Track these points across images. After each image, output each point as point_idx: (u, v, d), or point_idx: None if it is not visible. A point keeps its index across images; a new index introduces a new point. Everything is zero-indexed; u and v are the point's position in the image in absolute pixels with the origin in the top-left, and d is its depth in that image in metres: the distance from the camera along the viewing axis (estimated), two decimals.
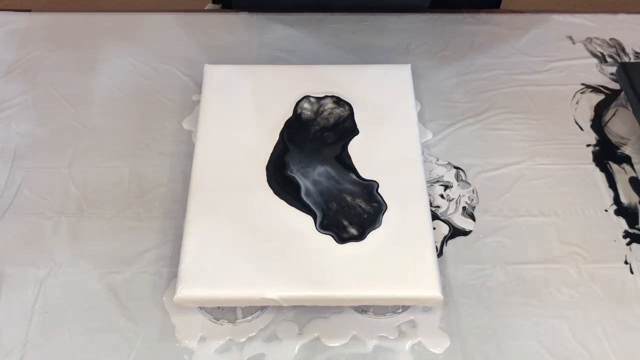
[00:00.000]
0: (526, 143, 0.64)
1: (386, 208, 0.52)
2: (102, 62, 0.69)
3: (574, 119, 0.66)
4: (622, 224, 0.58)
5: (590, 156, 0.63)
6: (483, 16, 0.75)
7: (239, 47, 0.71)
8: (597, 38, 0.73)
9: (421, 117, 0.65)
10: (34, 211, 0.58)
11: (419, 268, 0.49)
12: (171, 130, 0.64)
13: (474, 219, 0.58)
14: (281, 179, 0.54)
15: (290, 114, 0.58)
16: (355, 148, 0.56)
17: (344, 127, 0.57)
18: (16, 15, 0.74)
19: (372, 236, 0.50)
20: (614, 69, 0.70)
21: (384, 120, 0.58)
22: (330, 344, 0.51)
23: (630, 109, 0.60)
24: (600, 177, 0.61)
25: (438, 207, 0.59)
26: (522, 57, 0.71)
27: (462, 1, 0.79)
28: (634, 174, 0.62)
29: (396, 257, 0.49)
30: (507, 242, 0.57)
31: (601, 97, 0.68)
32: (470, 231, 0.57)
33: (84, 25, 0.73)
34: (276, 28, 0.73)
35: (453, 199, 0.59)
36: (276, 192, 0.53)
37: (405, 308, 0.53)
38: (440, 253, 0.56)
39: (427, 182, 0.58)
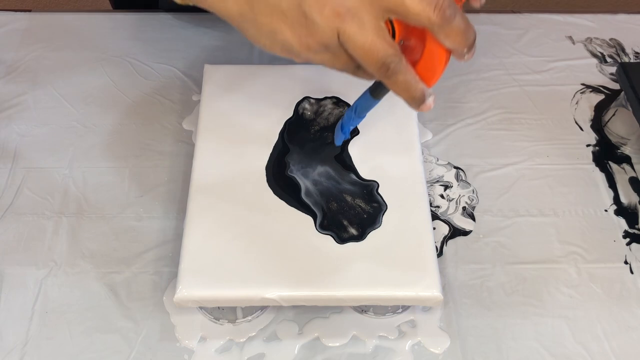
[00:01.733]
0: (526, 143, 0.64)
1: (386, 208, 0.52)
2: (102, 62, 0.69)
3: (574, 119, 0.66)
4: (622, 224, 0.58)
5: (590, 156, 0.63)
6: (483, 16, 0.75)
7: (239, 47, 0.71)
8: (597, 38, 0.73)
9: (421, 117, 0.65)
10: (34, 211, 0.58)
11: (419, 268, 0.49)
12: (171, 130, 0.64)
13: (474, 219, 0.58)
14: (281, 179, 0.54)
15: (290, 114, 0.58)
16: (355, 148, 0.56)
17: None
18: (16, 15, 0.74)
19: (372, 236, 0.50)
20: (614, 69, 0.70)
21: (383, 120, 0.58)
22: (330, 344, 0.51)
23: (630, 109, 0.60)
24: (600, 177, 0.61)
25: (438, 207, 0.59)
26: (522, 57, 0.71)
27: None
28: (634, 174, 0.62)
29: (396, 257, 0.49)
30: (507, 242, 0.57)
31: (601, 97, 0.68)
32: (470, 231, 0.57)
33: (84, 25, 0.73)
34: None
35: (453, 199, 0.59)
36: (276, 193, 0.53)
37: (405, 308, 0.53)
38: (440, 253, 0.56)
39: (427, 182, 0.58)
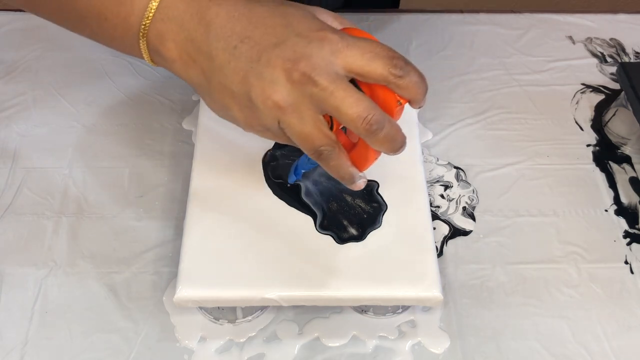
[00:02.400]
0: (526, 143, 0.64)
1: (386, 208, 0.52)
2: (102, 62, 0.69)
3: (574, 119, 0.66)
4: (622, 224, 0.58)
5: (590, 156, 0.63)
6: (483, 16, 0.75)
7: None
8: (597, 38, 0.73)
9: (421, 117, 0.65)
10: (34, 211, 0.58)
11: (419, 268, 0.49)
12: (171, 130, 0.64)
13: (474, 219, 0.58)
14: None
15: None
16: None
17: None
18: (16, 15, 0.74)
19: (372, 236, 0.50)
20: (614, 69, 0.70)
21: None
22: (330, 344, 0.51)
23: (630, 109, 0.60)
24: (600, 177, 0.61)
25: (438, 207, 0.59)
26: (522, 57, 0.71)
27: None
28: (634, 174, 0.62)
29: (396, 257, 0.49)
30: (507, 242, 0.57)
31: (601, 97, 0.68)
32: (471, 231, 0.57)
33: None
34: None
35: (453, 199, 0.59)
36: (276, 193, 0.53)
37: (405, 308, 0.52)
38: (440, 253, 0.56)
39: (427, 182, 0.58)
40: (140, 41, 0.45)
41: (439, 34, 0.73)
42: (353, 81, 0.43)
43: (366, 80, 0.42)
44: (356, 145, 0.45)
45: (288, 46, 0.41)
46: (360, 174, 0.45)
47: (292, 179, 0.52)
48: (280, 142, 0.45)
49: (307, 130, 0.42)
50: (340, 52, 0.41)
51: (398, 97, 0.42)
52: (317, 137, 0.42)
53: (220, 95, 0.43)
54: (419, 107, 0.44)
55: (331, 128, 0.44)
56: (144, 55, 0.46)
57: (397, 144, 0.43)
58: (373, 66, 0.41)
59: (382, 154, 0.44)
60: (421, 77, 0.43)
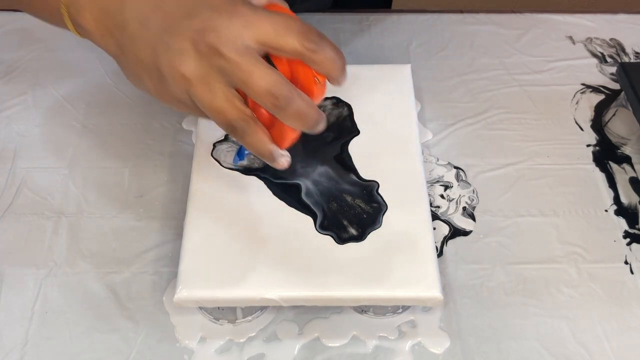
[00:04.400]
0: (526, 143, 0.64)
1: (386, 208, 0.52)
2: (102, 62, 0.69)
3: (574, 119, 0.66)
4: (622, 224, 0.58)
5: (590, 156, 0.63)
6: (483, 16, 0.75)
7: None
8: (597, 38, 0.73)
9: (421, 117, 0.65)
10: (34, 211, 0.58)
11: (419, 268, 0.49)
12: (171, 130, 0.64)
13: (474, 219, 0.58)
14: (280, 178, 0.54)
15: None
16: (355, 148, 0.56)
17: (344, 126, 0.57)
18: (16, 15, 0.74)
19: (372, 236, 0.50)
20: (614, 69, 0.70)
21: (384, 120, 0.58)
22: (330, 344, 0.51)
23: (630, 109, 0.60)
24: (600, 177, 0.61)
25: (438, 207, 0.59)
26: (522, 57, 0.71)
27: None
28: (634, 174, 0.62)
29: (396, 257, 0.49)
30: (507, 242, 0.57)
31: (601, 97, 0.68)
32: (471, 231, 0.57)
33: None
34: None
35: (453, 199, 0.59)
36: (275, 193, 0.53)
37: (405, 308, 0.52)
38: (440, 253, 0.56)
39: (427, 182, 0.58)
40: (64, 14, 0.45)
41: (439, 34, 0.73)
42: (269, 59, 0.42)
43: (279, 54, 0.41)
44: (275, 123, 0.44)
45: (198, 18, 0.41)
46: (282, 152, 0.44)
47: (236, 160, 0.52)
48: (195, 115, 0.45)
49: (217, 104, 0.41)
50: (251, 24, 0.41)
51: (315, 74, 0.42)
52: (228, 110, 0.41)
53: (133, 66, 0.44)
54: (339, 85, 0.43)
55: (247, 103, 0.43)
56: (69, 27, 0.46)
57: (309, 120, 0.41)
58: (286, 39, 0.41)
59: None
60: (337, 52, 0.42)
